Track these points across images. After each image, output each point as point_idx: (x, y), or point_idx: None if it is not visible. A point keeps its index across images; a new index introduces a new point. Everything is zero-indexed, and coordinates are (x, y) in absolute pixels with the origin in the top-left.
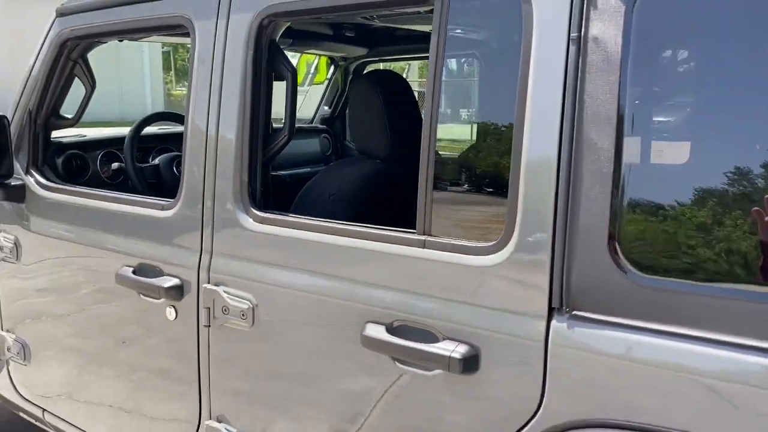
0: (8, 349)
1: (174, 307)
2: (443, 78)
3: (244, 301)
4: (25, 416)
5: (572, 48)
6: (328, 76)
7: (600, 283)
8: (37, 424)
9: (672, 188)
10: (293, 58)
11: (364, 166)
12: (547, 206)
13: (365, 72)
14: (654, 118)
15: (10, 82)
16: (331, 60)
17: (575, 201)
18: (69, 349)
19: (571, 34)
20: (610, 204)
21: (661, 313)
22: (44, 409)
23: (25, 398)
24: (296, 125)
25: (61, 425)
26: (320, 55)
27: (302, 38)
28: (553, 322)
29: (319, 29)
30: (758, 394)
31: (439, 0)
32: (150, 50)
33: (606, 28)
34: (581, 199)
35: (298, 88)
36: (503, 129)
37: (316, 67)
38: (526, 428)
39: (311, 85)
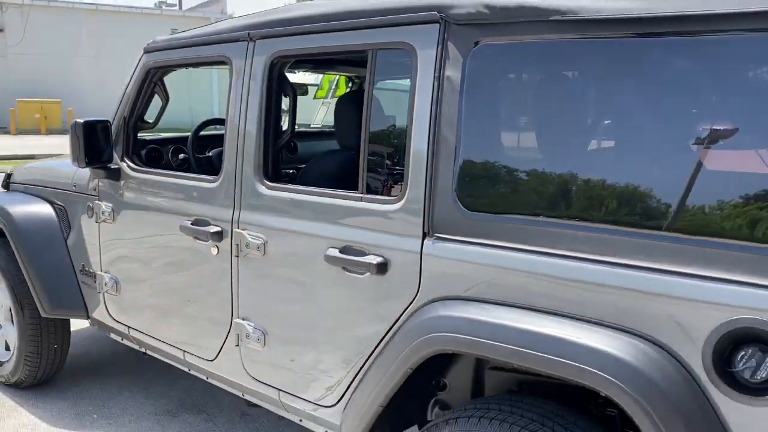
0: (105, 284)
1: (216, 246)
2: (372, 101)
3: (259, 239)
4: (114, 335)
5: (435, 83)
6: (347, 90)
7: (449, 218)
8: (124, 342)
9: (482, 166)
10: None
11: (338, 154)
12: (422, 176)
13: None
14: (476, 124)
15: (93, 85)
16: (348, 77)
17: (435, 173)
18: (146, 280)
19: (435, 74)
20: (452, 173)
21: (481, 233)
22: (129, 327)
23: (116, 320)
24: (323, 129)
25: (141, 337)
26: (339, 75)
27: (319, 64)
28: (425, 241)
29: (330, 57)
30: (535, 280)
31: (371, 55)
32: (218, 71)
33: (451, 71)
34: (438, 172)
35: (323, 100)
36: (401, 131)
37: (337, 84)
38: (412, 303)
39: (333, 97)
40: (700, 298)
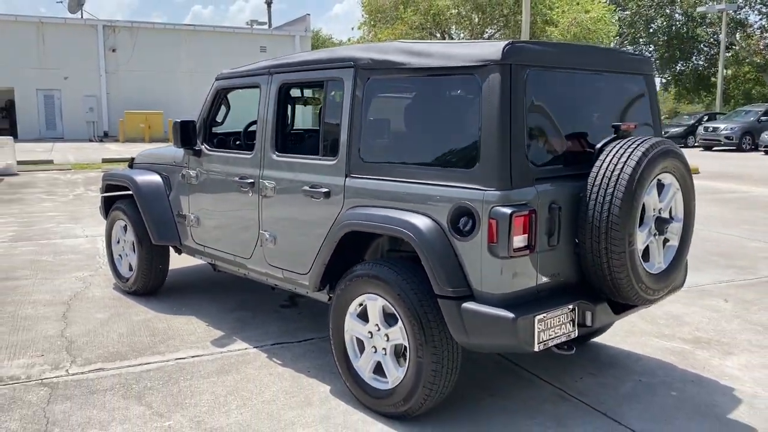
0: (191, 221)
1: (251, 190)
2: (326, 108)
3: (272, 184)
4: (197, 255)
5: (351, 98)
6: None
7: (356, 166)
8: (201, 258)
9: (371, 141)
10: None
11: (311, 136)
12: (345, 146)
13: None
14: (368, 120)
15: (190, 97)
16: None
17: (350, 144)
18: (213, 215)
19: (351, 93)
20: (358, 144)
21: (369, 173)
22: (204, 246)
23: (197, 243)
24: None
25: (211, 251)
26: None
27: (303, 87)
28: (346, 179)
29: (307, 83)
30: (389, 192)
31: (325, 83)
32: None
33: (358, 92)
34: (352, 143)
35: None
36: (338, 123)
37: None
38: (341, 210)
39: None
40: (445, 194)
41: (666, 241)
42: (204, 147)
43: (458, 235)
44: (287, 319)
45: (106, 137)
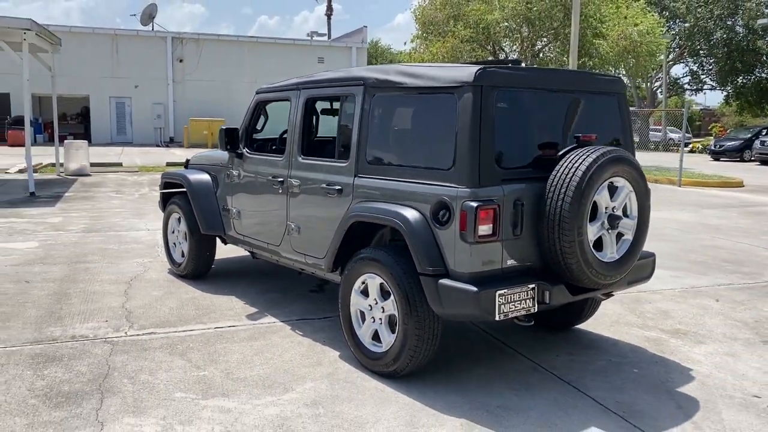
0: (233, 214)
1: (281, 187)
2: (341, 120)
3: (297, 182)
4: (239, 244)
5: (361, 111)
6: None
7: (363, 168)
8: (241, 246)
9: (375, 147)
10: None
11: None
12: (355, 151)
13: None
14: (374, 129)
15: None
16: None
17: (359, 149)
18: (251, 209)
19: (361, 107)
20: (366, 149)
21: (373, 174)
22: (244, 235)
23: (238, 233)
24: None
25: (249, 240)
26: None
27: (324, 101)
28: (355, 178)
29: (328, 98)
30: (388, 190)
31: (341, 98)
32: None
33: (367, 106)
34: (361, 149)
35: None
36: (350, 131)
37: None
38: (350, 204)
39: None
40: (429, 191)
41: (621, 235)
42: (245, 151)
43: (438, 224)
44: (314, 300)
45: (171, 142)
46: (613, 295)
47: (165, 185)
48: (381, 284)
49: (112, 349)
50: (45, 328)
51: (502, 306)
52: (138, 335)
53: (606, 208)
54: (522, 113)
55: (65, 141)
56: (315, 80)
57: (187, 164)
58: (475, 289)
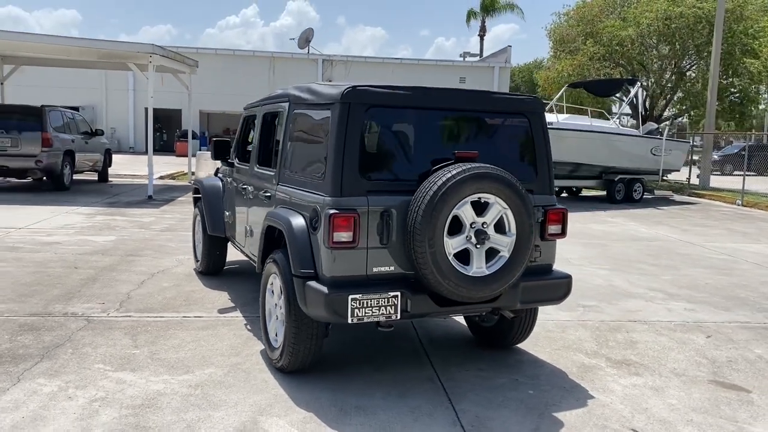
0: (227, 217)
1: (245, 194)
2: (275, 133)
3: (251, 188)
4: (234, 245)
5: (286, 126)
6: None
7: (281, 177)
8: (235, 247)
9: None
10: None
11: None
12: (278, 163)
13: None
14: (286, 145)
15: None
16: None
17: (281, 161)
18: (234, 214)
19: (287, 121)
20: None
21: (287, 182)
22: (233, 237)
23: (229, 235)
24: None
25: (235, 242)
26: None
27: None
28: (277, 186)
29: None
30: (287, 196)
31: (277, 114)
32: None
33: (289, 120)
34: (282, 159)
35: None
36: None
37: None
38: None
39: None
40: (310, 199)
41: (496, 252)
42: (236, 160)
43: (312, 230)
44: None
45: None
46: (517, 315)
47: (194, 190)
48: (280, 285)
49: (86, 325)
50: (52, 304)
51: (356, 310)
52: (116, 317)
53: (472, 223)
54: (397, 131)
55: (197, 152)
56: (268, 97)
57: (216, 172)
58: (326, 291)
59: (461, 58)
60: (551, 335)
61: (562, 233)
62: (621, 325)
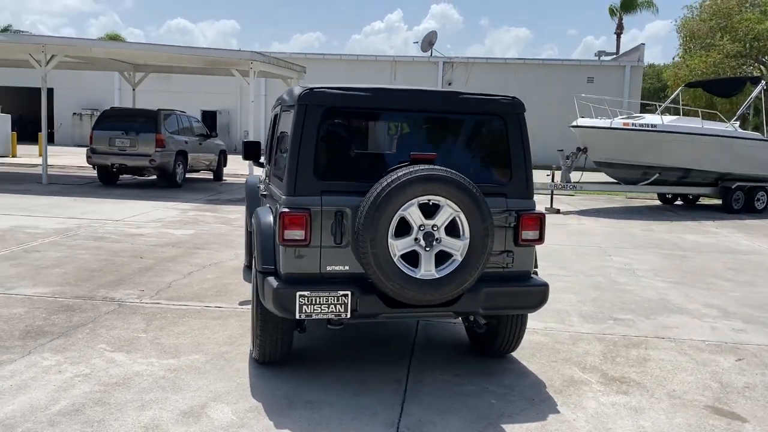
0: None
1: (264, 196)
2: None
3: (265, 187)
4: None
5: (275, 126)
6: None
7: (270, 174)
8: None
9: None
10: None
11: None
12: (269, 162)
13: None
14: (272, 146)
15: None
16: None
17: (269, 160)
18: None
19: (276, 123)
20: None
21: (271, 181)
22: None
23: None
24: None
25: None
26: None
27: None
28: (269, 180)
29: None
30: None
31: (276, 110)
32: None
33: (279, 119)
34: (270, 158)
35: None
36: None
37: None
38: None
39: None
40: (277, 198)
41: (449, 255)
42: (265, 160)
43: (275, 227)
44: None
45: None
46: (490, 322)
47: None
48: None
49: (115, 309)
50: (98, 289)
51: (304, 306)
52: (144, 303)
53: (421, 226)
54: (356, 132)
55: None
56: (279, 98)
57: None
58: (274, 286)
59: (596, 57)
60: (558, 347)
61: (540, 239)
62: (644, 341)
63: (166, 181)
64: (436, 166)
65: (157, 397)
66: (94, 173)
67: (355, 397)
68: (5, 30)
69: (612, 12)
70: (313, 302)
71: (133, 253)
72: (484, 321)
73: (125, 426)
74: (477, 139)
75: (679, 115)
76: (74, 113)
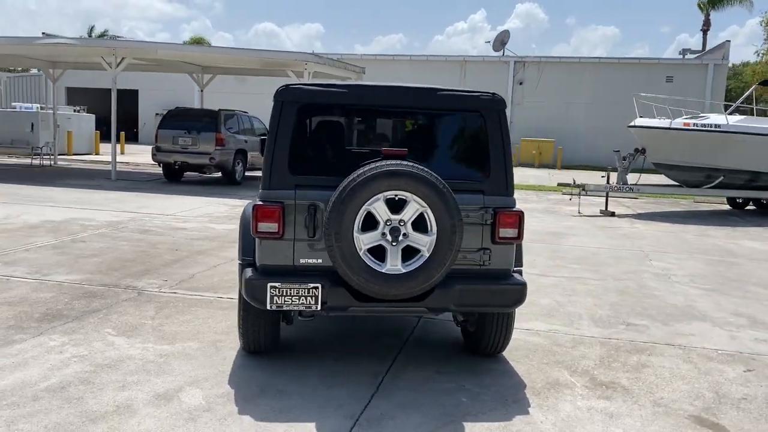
0: None
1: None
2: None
3: None
4: None
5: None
6: None
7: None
8: None
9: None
10: None
11: None
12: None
13: None
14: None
15: (586, 128)
16: None
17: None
18: None
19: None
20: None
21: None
22: None
23: None
24: None
25: None
26: None
27: None
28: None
29: None
30: None
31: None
32: None
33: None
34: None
35: None
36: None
37: None
38: None
39: None
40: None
41: (416, 251)
42: None
43: (250, 219)
44: None
45: None
46: (467, 319)
47: None
48: None
49: (134, 297)
50: (125, 278)
51: (275, 297)
52: (162, 293)
53: (387, 220)
54: (331, 128)
55: None
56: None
57: None
58: (248, 276)
59: (680, 56)
60: (555, 349)
61: (518, 237)
62: (650, 347)
63: (226, 179)
64: (402, 162)
65: (140, 379)
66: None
67: (329, 388)
68: (102, 36)
69: (701, 7)
70: (284, 294)
71: (170, 246)
72: (462, 318)
73: (100, 404)
74: (455, 135)
75: (753, 114)
76: (156, 113)
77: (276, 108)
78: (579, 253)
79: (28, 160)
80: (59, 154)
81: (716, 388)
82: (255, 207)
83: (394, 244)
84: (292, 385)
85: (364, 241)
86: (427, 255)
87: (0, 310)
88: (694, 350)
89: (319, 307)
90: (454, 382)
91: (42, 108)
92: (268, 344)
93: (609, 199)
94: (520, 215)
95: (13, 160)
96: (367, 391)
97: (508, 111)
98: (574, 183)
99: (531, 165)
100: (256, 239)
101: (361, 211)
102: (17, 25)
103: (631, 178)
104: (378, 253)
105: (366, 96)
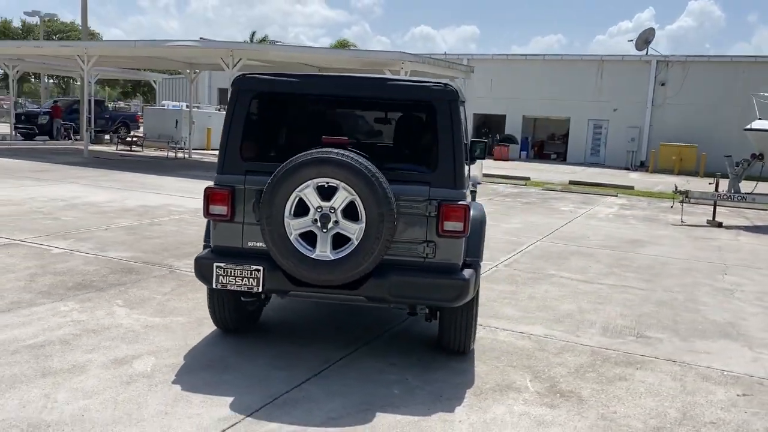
0: None
1: None
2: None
3: None
4: None
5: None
6: None
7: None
8: None
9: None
10: None
11: None
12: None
13: None
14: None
15: (737, 134)
16: None
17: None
18: None
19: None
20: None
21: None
22: None
23: None
24: None
25: None
26: None
27: None
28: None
29: None
30: None
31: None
32: None
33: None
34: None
35: None
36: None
37: None
38: None
39: None
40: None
41: (347, 239)
42: None
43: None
44: None
45: (641, 166)
46: (412, 313)
47: None
48: None
49: (164, 274)
50: (168, 258)
51: (221, 277)
52: (190, 272)
53: (319, 207)
54: (283, 116)
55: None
56: None
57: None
58: (197, 256)
59: None
60: (536, 354)
61: (464, 231)
62: (644, 361)
63: None
64: (332, 150)
65: (111, 345)
66: None
67: (272, 369)
68: (263, 41)
69: None
70: (228, 274)
71: None
72: (408, 312)
73: (61, 363)
74: (405, 126)
75: None
76: None
77: (232, 96)
78: (647, 262)
79: (171, 153)
80: (199, 149)
81: (687, 410)
82: (206, 190)
83: (324, 230)
84: (242, 363)
85: (295, 227)
86: (356, 243)
87: (44, 278)
88: (695, 369)
89: (260, 289)
90: (399, 375)
91: (188, 106)
92: (234, 322)
93: (718, 208)
94: (466, 209)
95: (159, 153)
96: (304, 375)
97: (646, 114)
98: (676, 189)
99: (670, 172)
100: (210, 222)
101: (292, 196)
102: (197, 32)
103: (746, 186)
104: (311, 239)
105: (318, 86)
